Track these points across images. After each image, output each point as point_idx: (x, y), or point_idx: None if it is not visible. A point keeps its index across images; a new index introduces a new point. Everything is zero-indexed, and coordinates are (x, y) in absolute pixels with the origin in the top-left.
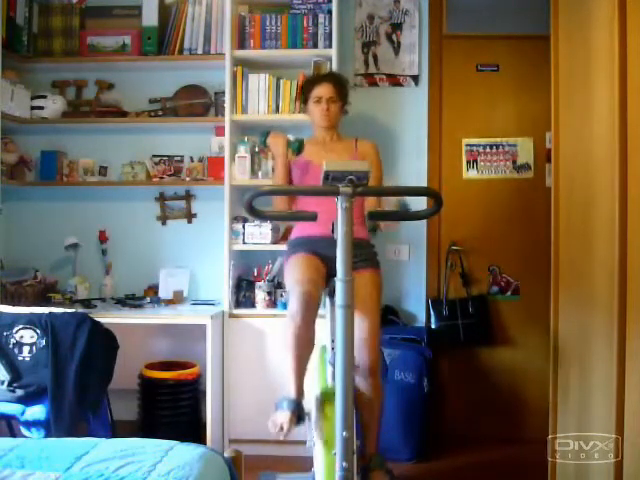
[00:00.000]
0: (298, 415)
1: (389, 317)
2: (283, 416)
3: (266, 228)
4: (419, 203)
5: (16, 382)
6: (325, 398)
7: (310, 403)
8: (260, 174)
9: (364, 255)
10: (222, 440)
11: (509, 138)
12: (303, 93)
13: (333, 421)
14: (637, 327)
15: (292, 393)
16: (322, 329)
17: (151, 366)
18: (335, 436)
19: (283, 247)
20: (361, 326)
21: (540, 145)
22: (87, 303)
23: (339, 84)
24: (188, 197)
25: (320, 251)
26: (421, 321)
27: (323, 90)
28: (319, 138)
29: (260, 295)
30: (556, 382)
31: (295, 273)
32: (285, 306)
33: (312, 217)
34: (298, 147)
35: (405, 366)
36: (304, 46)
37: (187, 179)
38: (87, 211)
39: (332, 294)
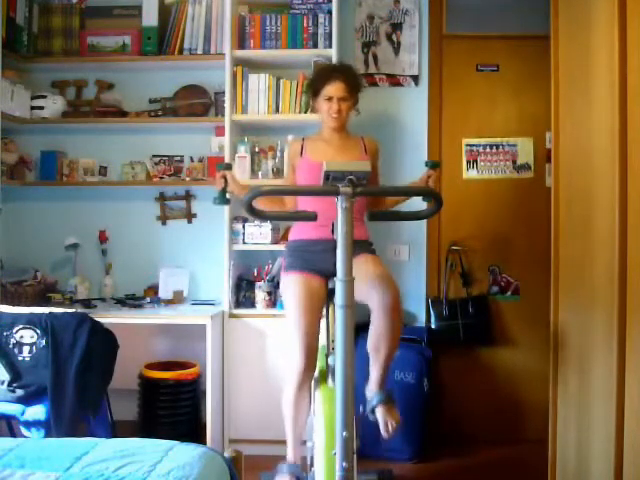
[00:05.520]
0: (297, 476)
1: None
2: None
3: (266, 228)
4: (419, 203)
5: (16, 382)
6: (322, 377)
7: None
8: (260, 174)
9: (362, 250)
10: (222, 440)
11: (509, 138)
12: (312, 86)
13: (332, 400)
14: (637, 327)
15: (291, 458)
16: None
17: (151, 366)
18: (335, 435)
19: (283, 247)
20: (373, 273)
21: (540, 145)
22: (87, 303)
23: (351, 81)
24: (188, 197)
25: (319, 264)
26: (421, 321)
27: (334, 89)
28: (326, 136)
29: (260, 295)
30: (556, 382)
31: (294, 316)
32: (283, 306)
33: (312, 217)
34: (220, 201)
35: (405, 366)
36: (304, 46)
37: (187, 179)
38: (87, 211)
39: (332, 294)
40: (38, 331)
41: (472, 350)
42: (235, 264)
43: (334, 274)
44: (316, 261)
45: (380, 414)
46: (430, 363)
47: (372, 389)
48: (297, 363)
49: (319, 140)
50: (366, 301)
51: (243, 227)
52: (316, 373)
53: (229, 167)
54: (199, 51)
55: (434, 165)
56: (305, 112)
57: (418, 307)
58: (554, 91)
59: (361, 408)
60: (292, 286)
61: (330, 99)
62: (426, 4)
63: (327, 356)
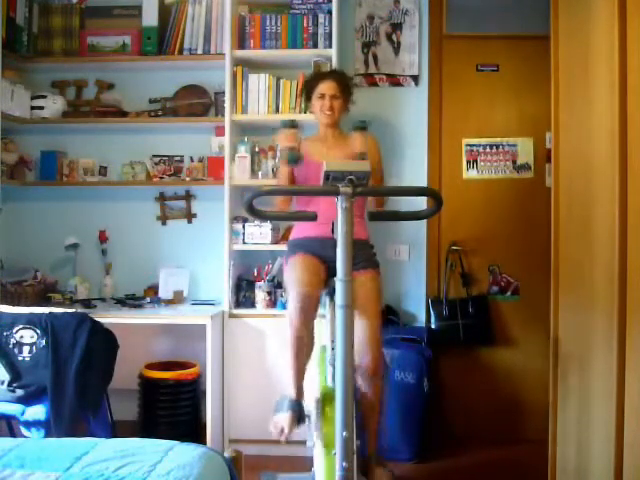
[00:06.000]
0: (298, 415)
1: (389, 317)
2: (283, 418)
3: (266, 228)
4: (419, 203)
5: (16, 382)
6: (325, 399)
7: (310, 404)
8: (260, 174)
9: (363, 256)
10: (222, 440)
11: (509, 138)
12: (306, 89)
13: (333, 422)
14: (637, 327)
15: (292, 393)
16: (322, 329)
17: (151, 366)
18: (335, 436)
19: (283, 247)
20: (361, 327)
21: (540, 145)
22: (87, 303)
23: (342, 81)
24: (188, 197)
25: (319, 252)
26: (421, 321)
27: (326, 87)
28: (321, 135)
29: (260, 295)
30: (556, 382)
31: (293, 274)
32: (284, 306)
33: (312, 217)
34: (294, 159)
35: (405, 366)
36: (304, 46)
37: (187, 179)
38: (87, 211)
39: (332, 294)
40: (38, 331)
41: (472, 350)
42: (235, 264)
43: (334, 273)
44: (316, 251)
45: (374, 474)
46: (430, 363)
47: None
48: (294, 306)
49: (315, 140)
50: None
51: (243, 227)
52: (318, 395)
53: (296, 125)
54: (199, 51)
55: (357, 127)
56: (305, 112)
57: (418, 307)
58: (554, 91)
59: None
60: (293, 262)
61: (323, 96)
62: (426, 4)
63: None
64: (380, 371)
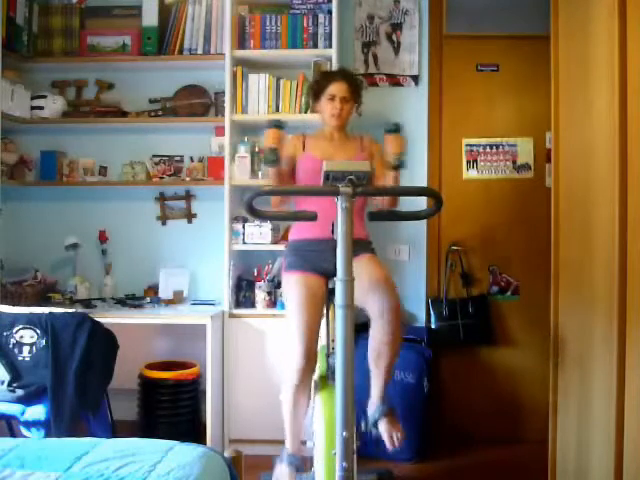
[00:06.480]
0: (297, 468)
1: None
2: (283, 473)
3: (266, 228)
4: (419, 203)
5: (16, 382)
6: (323, 378)
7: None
8: (260, 174)
9: (362, 250)
10: (222, 440)
11: (509, 138)
12: (315, 88)
13: (332, 396)
14: (637, 327)
15: (290, 447)
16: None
17: (151, 366)
18: (335, 435)
19: (283, 247)
20: (370, 276)
21: (540, 145)
22: (87, 303)
23: (353, 83)
24: (188, 197)
25: (318, 260)
26: (421, 321)
27: (337, 88)
28: (327, 134)
29: (260, 295)
30: (556, 382)
31: (295, 315)
32: (284, 306)
33: (312, 217)
34: (271, 160)
35: (405, 366)
36: (304, 46)
37: (187, 179)
38: (87, 211)
39: (332, 294)
40: (38, 331)
41: (472, 350)
42: (235, 264)
43: (334, 274)
44: (316, 261)
45: (384, 427)
46: (430, 363)
47: (374, 402)
48: (296, 363)
49: (320, 138)
50: (365, 306)
51: (243, 227)
52: (316, 375)
53: (282, 126)
54: (199, 51)
55: (390, 130)
56: (305, 112)
57: (418, 307)
58: (554, 91)
59: (362, 425)
60: (293, 286)
61: (333, 98)
62: (426, 4)
63: (327, 356)
64: (400, 313)
